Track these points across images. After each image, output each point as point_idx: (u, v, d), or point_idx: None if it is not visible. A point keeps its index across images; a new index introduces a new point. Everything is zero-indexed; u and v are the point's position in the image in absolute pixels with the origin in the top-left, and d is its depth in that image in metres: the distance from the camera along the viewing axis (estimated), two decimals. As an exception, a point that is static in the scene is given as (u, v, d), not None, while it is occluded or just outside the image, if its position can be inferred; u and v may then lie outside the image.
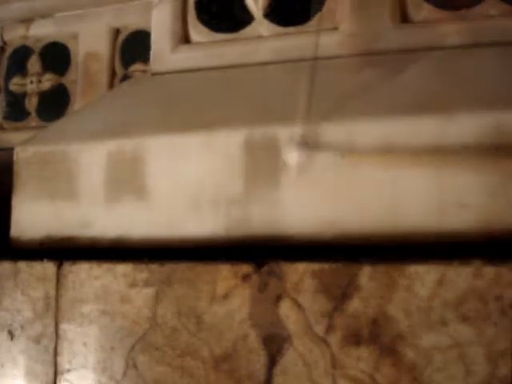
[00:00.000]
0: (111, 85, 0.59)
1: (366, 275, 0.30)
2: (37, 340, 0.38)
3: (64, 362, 0.37)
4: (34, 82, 0.63)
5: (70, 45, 0.61)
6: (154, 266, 0.35)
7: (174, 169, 0.37)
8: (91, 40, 0.60)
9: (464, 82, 0.35)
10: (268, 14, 0.45)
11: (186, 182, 0.37)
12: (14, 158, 0.42)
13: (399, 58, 0.38)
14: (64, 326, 0.37)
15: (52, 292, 0.37)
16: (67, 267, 0.37)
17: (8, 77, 0.64)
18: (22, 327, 0.38)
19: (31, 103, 0.63)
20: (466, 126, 0.31)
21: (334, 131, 0.33)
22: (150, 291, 0.35)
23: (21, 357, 0.38)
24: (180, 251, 0.36)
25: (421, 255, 0.30)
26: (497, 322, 0.27)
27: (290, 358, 0.31)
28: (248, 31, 0.46)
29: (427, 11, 0.43)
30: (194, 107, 0.41)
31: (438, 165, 0.31)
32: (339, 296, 0.30)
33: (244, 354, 0.32)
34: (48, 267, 0.38)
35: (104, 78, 0.59)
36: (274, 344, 0.32)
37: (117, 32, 0.59)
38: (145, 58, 0.55)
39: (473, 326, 0.28)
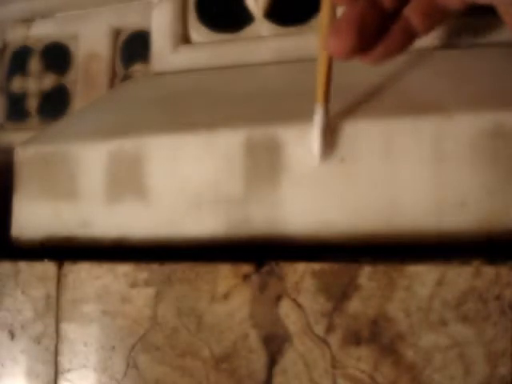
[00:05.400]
0: (111, 85, 0.59)
1: (366, 275, 0.30)
2: (37, 340, 0.38)
3: (65, 361, 0.37)
4: (35, 82, 0.63)
5: (71, 45, 0.61)
6: (155, 266, 0.35)
7: (174, 169, 0.37)
8: (91, 40, 0.60)
9: (464, 81, 0.35)
10: (268, 13, 0.46)
11: (186, 181, 0.37)
12: (14, 158, 0.42)
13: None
14: (65, 326, 0.37)
15: (53, 292, 0.37)
16: (68, 267, 0.37)
17: (9, 77, 0.64)
18: (22, 327, 0.38)
19: (32, 103, 0.63)
20: (466, 126, 0.31)
21: (333, 131, 0.33)
22: (150, 291, 0.35)
23: (21, 356, 0.38)
24: (180, 251, 0.36)
25: (421, 255, 0.30)
26: (496, 322, 0.27)
27: (290, 357, 0.31)
28: (248, 31, 0.46)
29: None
30: (194, 107, 0.41)
31: (438, 164, 0.31)
32: (339, 296, 0.30)
33: (244, 353, 0.32)
34: (49, 267, 0.38)
35: (104, 78, 0.59)
36: (274, 344, 0.32)
37: (117, 32, 0.59)
38: (145, 58, 0.56)
39: (472, 325, 0.28)
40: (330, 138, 0.33)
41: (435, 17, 0.31)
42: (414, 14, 0.31)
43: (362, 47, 0.30)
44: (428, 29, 0.32)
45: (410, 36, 0.32)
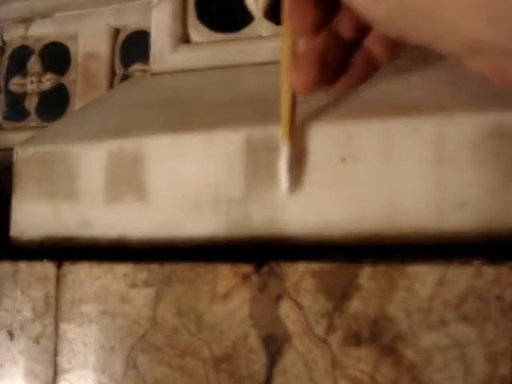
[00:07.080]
0: (111, 85, 0.59)
1: (366, 275, 0.30)
2: (37, 340, 0.38)
3: (64, 361, 0.37)
4: (34, 82, 0.63)
5: (70, 45, 0.61)
6: (154, 266, 0.35)
7: (173, 169, 0.37)
8: (91, 40, 0.60)
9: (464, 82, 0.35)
10: (268, 13, 0.46)
11: (186, 181, 0.37)
12: (14, 158, 0.42)
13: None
14: (64, 326, 0.37)
15: (52, 292, 0.37)
16: (67, 267, 0.37)
17: (8, 77, 0.64)
18: (21, 327, 0.38)
19: (31, 103, 0.63)
20: (466, 126, 0.31)
21: (333, 131, 0.33)
22: (150, 291, 0.35)
23: (20, 357, 0.38)
24: (180, 251, 0.36)
25: (421, 255, 0.30)
26: (497, 322, 0.27)
27: (290, 357, 0.31)
28: (248, 31, 0.46)
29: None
30: (194, 107, 0.41)
31: (439, 165, 0.31)
32: (339, 296, 0.30)
33: (244, 353, 0.32)
34: (48, 267, 0.38)
35: (104, 77, 0.59)
36: (274, 344, 0.32)
37: (116, 32, 0.59)
38: (145, 58, 0.55)
39: (473, 326, 0.28)
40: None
41: (396, 46, 0.31)
42: (375, 44, 0.30)
43: (324, 81, 0.30)
44: (390, 58, 0.31)
45: (373, 66, 0.31)
